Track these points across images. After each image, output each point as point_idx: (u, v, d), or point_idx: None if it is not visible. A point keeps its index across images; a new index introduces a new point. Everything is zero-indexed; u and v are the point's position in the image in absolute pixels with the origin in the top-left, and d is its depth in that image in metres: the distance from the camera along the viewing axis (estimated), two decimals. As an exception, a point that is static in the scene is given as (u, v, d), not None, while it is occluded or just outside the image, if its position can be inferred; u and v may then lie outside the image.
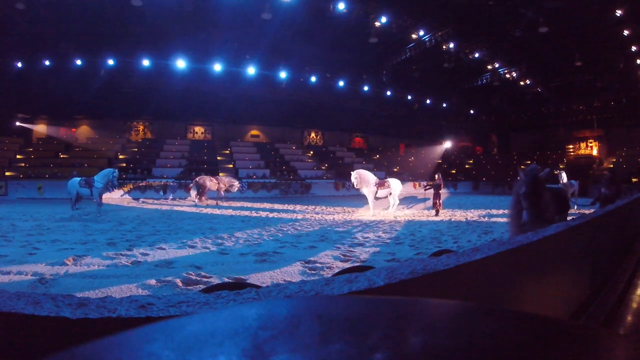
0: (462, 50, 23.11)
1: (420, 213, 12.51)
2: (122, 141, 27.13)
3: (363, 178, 12.17)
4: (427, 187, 12.70)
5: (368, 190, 12.19)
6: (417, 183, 26.11)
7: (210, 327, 0.31)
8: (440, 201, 11.99)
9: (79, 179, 11.75)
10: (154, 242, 6.67)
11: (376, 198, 12.37)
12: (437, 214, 11.65)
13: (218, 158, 26.98)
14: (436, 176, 12.36)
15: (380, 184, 12.31)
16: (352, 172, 12.54)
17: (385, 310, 0.36)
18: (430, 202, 12.57)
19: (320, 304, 0.40)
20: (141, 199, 19.08)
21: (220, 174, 20.23)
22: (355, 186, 12.33)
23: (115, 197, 17.90)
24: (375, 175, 12.83)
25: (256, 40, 20.89)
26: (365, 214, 12.06)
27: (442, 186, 12.25)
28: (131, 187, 20.17)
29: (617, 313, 2.04)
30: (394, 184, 12.57)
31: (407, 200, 15.82)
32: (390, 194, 12.50)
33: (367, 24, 19.97)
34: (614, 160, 28.53)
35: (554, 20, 18.45)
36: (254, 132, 31.23)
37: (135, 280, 4.29)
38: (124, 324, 0.74)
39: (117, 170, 11.96)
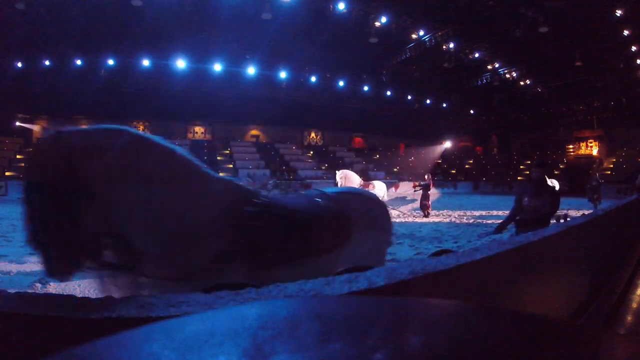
0: (462, 50, 23.09)
1: (409, 214, 12.30)
2: (122, 141, 27.11)
3: (348, 178, 12.21)
4: (416, 188, 12.47)
5: None
6: (417, 182, 26.17)
7: (210, 327, 0.31)
8: (430, 202, 11.76)
9: None
10: (154, 242, 6.65)
11: None
12: (426, 216, 11.48)
13: (218, 158, 26.97)
14: (426, 176, 12.23)
15: (365, 186, 12.30)
16: (337, 172, 12.57)
17: (385, 310, 0.36)
18: (417, 204, 12.34)
19: (320, 304, 0.40)
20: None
21: (221, 174, 20.26)
22: (339, 186, 12.31)
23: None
24: (376, 175, 12.83)
25: (256, 40, 20.87)
26: None
27: (431, 187, 12.06)
28: None
29: (617, 313, 2.04)
30: (379, 186, 12.54)
31: (395, 202, 15.74)
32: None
33: (367, 24, 19.95)
34: (614, 160, 28.54)
35: (554, 20, 18.43)
36: (254, 132, 31.23)
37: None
38: (124, 324, 0.74)
39: None
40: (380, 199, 12.75)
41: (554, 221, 4.32)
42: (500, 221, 4.51)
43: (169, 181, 1.54)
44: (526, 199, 3.98)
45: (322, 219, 1.96)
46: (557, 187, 13.59)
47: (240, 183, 2.15)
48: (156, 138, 1.59)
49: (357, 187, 12.08)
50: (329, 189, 2.46)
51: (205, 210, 1.60)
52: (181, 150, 1.70)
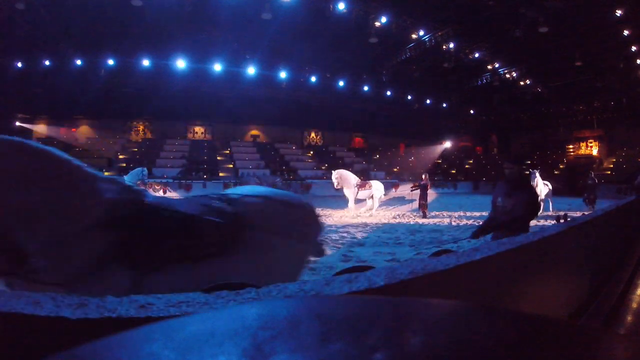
0: (462, 50, 23.09)
1: (408, 215, 12.24)
2: (122, 141, 27.13)
3: (344, 178, 11.91)
4: (414, 188, 12.34)
5: (349, 191, 11.91)
6: (415, 183, 26.17)
7: (210, 327, 0.31)
8: (427, 202, 11.64)
9: None
10: (154, 242, 6.65)
11: (358, 199, 12.07)
12: (424, 216, 11.40)
13: (218, 158, 26.99)
14: (423, 176, 12.08)
15: (362, 185, 12.03)
16: (332, 172, 12.34)
17: (385, 310, 0.36)
18: (416, 204, 12.21)
19: (320, 304, 0.40)
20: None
21: (221, 174, 20.26)
22: (335, 186, 12.04)
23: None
24: (376, 175, 12.75)
25: (256, 40, 20.88)
26: (355, 214, 11.79)
27: (428, 187, 11.93)
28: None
29: (617, 313, 2.04)
30: (376, 185, 12.32)
31: (394, 202, 15.71)
32: (372, 195, 12.22)
33: (367, 24, 19.96)
34: (614, 160, 28.53)
35: (554, 20, 18.44)
36: (254, 132, 31.25)
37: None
38: (124, 324, 0.74)
39: (146, 169, 11.95)
40: (378, 199, 12.55)
41: (554, 222, 4.15)
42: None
43: (41, 183, 1.54)
44: (499, 198, 3.44)
45: (210, 224, 1.87)
46: (550, 188, 13.37)
47: (126, 182, 2.09)
48: (28, 141, 1.58)
49: (353, 186, 11.92)
50: (235, 190, 2.31)
51: (83, 211, 1.57)
52: (58, 152, 1.69)
